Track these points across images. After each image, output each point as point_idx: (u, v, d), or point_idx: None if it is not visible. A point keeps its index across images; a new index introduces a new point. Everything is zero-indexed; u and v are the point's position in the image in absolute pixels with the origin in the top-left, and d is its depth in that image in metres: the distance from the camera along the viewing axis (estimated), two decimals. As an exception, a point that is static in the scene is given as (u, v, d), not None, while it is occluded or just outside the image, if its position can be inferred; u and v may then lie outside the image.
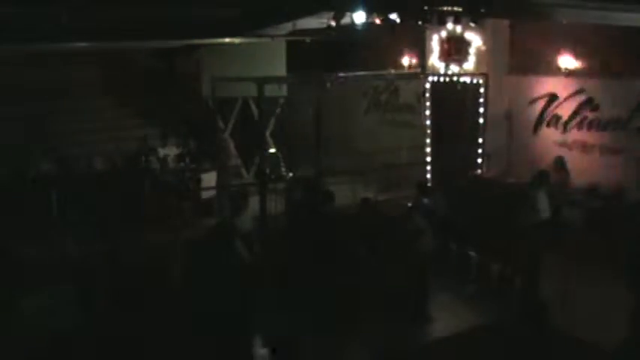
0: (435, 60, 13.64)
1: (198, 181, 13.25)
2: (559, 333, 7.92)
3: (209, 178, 13.52)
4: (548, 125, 12.31)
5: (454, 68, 13.28)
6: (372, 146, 14.73)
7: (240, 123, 15.60)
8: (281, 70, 15.34)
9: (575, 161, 11.65)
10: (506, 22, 12.74)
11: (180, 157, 13.64)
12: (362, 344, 8.05)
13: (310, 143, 12.98)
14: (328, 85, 12.39)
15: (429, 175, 13.88)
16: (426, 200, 11.17)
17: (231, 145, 15.43)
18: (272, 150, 15.44)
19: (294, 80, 14.91)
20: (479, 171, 12.85)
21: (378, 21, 10.37)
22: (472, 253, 10.18)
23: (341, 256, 8.54)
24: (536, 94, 12.42)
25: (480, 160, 12.99)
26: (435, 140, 13.99)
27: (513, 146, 12.82)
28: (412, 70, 14.56)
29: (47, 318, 7.59)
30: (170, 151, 13.77)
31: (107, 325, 7.39)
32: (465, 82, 13.12)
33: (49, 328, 7.41)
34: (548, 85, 12.24)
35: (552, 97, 12.21)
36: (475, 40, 12.84)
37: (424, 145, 14.08)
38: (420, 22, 10.78)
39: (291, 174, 14.23)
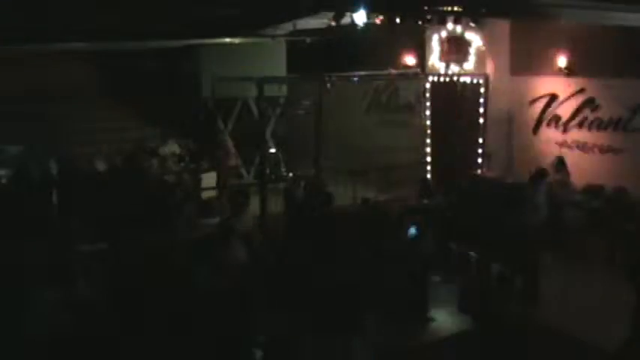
0: (435, 60, 13.64)
1: (198, 181, 13.25)
2: (559, 333, 7.94)
3: (209, 178, 13.51)
4: (548, 125, 12.30)
5: (454, 68, 13.28)
6: (372, 146, 14.73)
7: (240, 123, 15.60)
8: (281, 70, 15.34)
9: (575, 161, 11.64)
10: (506, 22, 12.74)
11: (180, 157, 13.64)
12: (362, 344, 8.04)
13: (310, 143, 12.98)
14: (328, 85, 12.39)
15: (429, 175, 13.88)
16: (426, 200, 11.20)
17: (231, 145, 15.43)
18: (272, 150, 15.44)
19: (294, 80, 14.91)
20: (479, 171, 12.85)
21: (378, 21, 10.38)
22: (472, 253, 10.18)
23: (341, 256, 8.53)
24: (536, 94, 12.42)
25: (480, 160, 12.99)
26: (435, 140, 14.00)
27: (513, 146, 12.81)
28: (412, 70, 14.56)
29: (49, 318, 7.60)
30: (170, 151, 13.77)
31: (107, 325, 7.39)
32: (465, 82, 13.12)
33: (51, 328, 7.42)
34: (549, 84, 12.23)
35: (552, 97, 12.20)
36: (475, 40, 12.84)
37: (424, 145, 14.09)
38: (420, 22, 10.80)
39: (291, 174, 14.23)
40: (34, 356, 7.13)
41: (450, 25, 11.98)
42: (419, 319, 8.65)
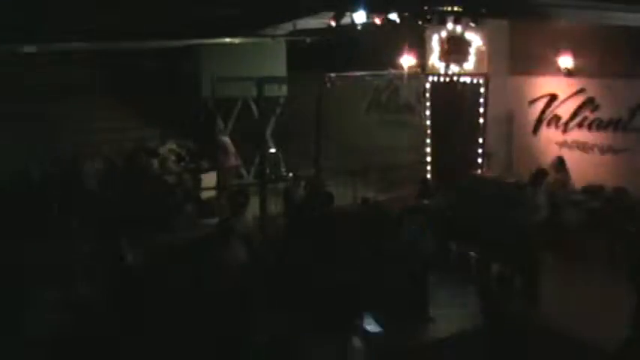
0: (435, 60, 13.63)
1: (198, 181, 13.25)
2: (559, 333, 7.94)
3: (209, 178, 13.51)
4: (548, 125, 12.30)
5: (454, 68, 13.26)
6: (372, 146, 14.73)
7: (240, 123, 15.60)
8: (281, 70, 15.34)
9: (575, 161, 11.64)
10: (506, 22, 12.74)
11: (180, 157, 13.64)
12: (362, 344, 8.05)
13: (310, 143, 12.98)
14: (328, 85, 12.39)
15: (429, 175, 13.87)
16: (426, 200, 11.19)
17: (231, 145, 15.44)
18: (272, 150, 15.44)
19: (294, 80, 14.91)
20: (479, 171, 12.84)
21: (378, 21, 10.38)
22: (472, 253, 10.18)
23: (341, 256, 8.53)
24: (536, 94, 12.42)
25: (480, 160, 12.99)
26: (435, 140, 13.99)
27: (513, 146, 12.81)
28: (412, 70, 14.56)
29: (49, 318, 7.60)
30: (170, 151, 13.78)
31: (107, 325, 7.39)
32: (465, 82, 13.11)
33: (51, 328, 7.43)
34: (549, 85, 12.22)
35: (552, 97, 12.19)
36: (475, 40, 12.84)
37: (424, 145, 14.08)
38: (420, 22, 10.79)
39: (291, 174, 14.23)
40: (34, 356, 7.14)
41: (450, 25, 11.96)
42: (419, 319, 8.65)
